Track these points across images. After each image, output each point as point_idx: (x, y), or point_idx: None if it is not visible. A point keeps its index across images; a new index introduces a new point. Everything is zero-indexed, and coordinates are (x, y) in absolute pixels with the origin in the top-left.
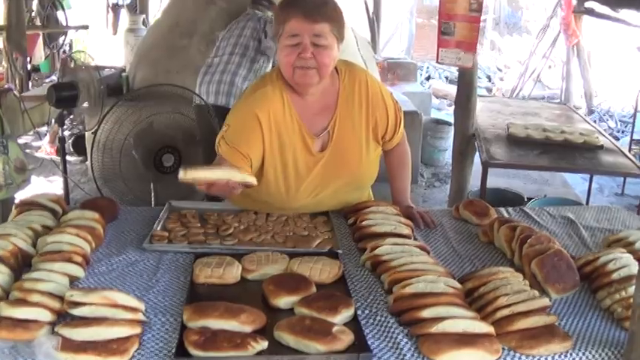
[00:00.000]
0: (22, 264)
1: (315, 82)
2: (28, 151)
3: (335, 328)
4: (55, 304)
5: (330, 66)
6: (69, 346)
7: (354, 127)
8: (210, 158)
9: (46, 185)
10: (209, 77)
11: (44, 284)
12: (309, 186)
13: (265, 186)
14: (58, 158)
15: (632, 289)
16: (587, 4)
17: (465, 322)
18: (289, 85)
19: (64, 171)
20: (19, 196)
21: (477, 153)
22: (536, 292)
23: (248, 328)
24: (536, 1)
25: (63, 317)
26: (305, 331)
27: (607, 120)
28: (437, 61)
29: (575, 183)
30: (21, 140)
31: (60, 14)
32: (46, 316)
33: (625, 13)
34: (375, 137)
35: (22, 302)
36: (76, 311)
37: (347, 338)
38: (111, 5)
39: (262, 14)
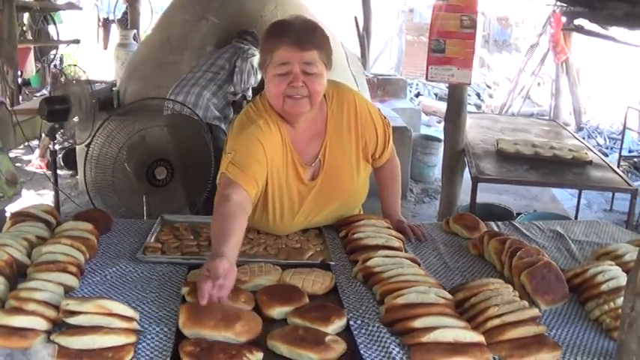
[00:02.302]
0: (16, 274)
1: (306, 111)
2: (18, 164)
3: (328, 338)
4: (51, 313)
5: (321, 93)
6: (65, 354)
7: (344, 151)
8: (201, 171)
9: (36, 199)
10: (178, 89)
11: (40, 293)
12: (303, 214)
13: (260, 214)
14: (48, 172)
15: (620, 301)
16: (576, 22)
17: (456, 331)
18: (280, 115)
19: (56, 184)
20: (10, 209)
21: (467, 168)
22: (526, 303)
23: (243, 339)
24: (526, 18)
25: (59, 326)
26: (298, 341)
27: (596, 137)
28: (426, 79)
29: (564, 199)
30: (11, 154)
31: (51, 28)
32: (42, 324)
33: (614, 31)
34: (365, 157)
35: (19, 311)
36: (72, 320)
37: (339, 347)
38: (102, 20)
39: (246, 47)
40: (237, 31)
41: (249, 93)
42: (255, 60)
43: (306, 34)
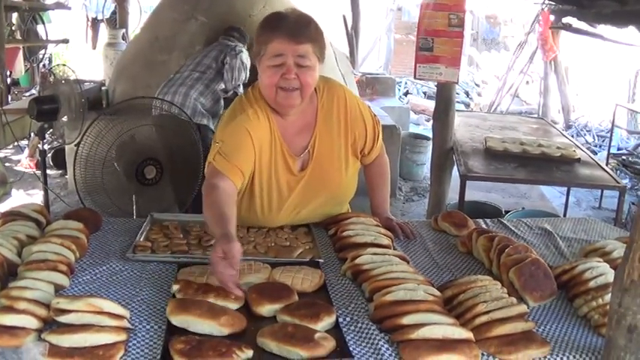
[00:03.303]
0: (7, 273)
1: (298, 103)
2: (7, 164)
3: (317, 335)
4: (42, 312)
5: (312, 86)
6: (56, 352)
7: (333, 145)
8: (190, 170)
9: (26, 198)
10: (166, 89)
11: (31, 292)
12: (291, 205)
13: (248, 204)
14: (38, 172)
15: (608, 297)
16: (564, 20)
17: (444, 328)
18: (270, 106)
19: (45, 183)
20: (0, 209)
21: (456, 167)
22: (514, 300)
23: (225, 331)
24: (515, 17)
25: (49, 324)
26: (288, 338)
27: (585, 135)
28: (414, 77)
29: (553, 196)
30: (0, 154)
31: (40, 28)
32: (33, 323)
33: (602, 29)
34: (353, 152)
35: (9, 309)
36: (63, 318)
37: (329, 344)
38: (90, 20)
39: (233, 44)
40: (223, 28)
41: (240, 89)
42: (244, 56)
43: (300, 28)
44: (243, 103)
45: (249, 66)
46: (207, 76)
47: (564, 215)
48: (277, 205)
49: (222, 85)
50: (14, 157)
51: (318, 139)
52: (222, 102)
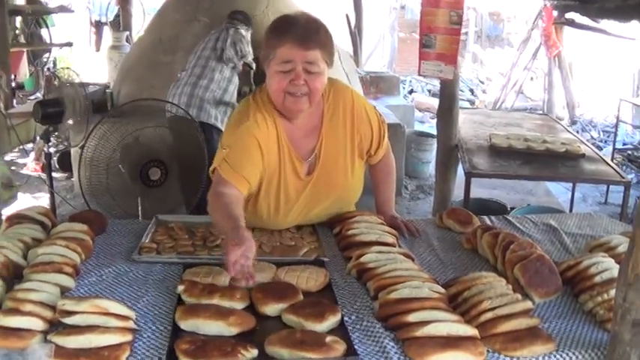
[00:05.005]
0: (13, 276)
1: (306, 108)
2: (13, 168)
3: (328, 339)
4: (48, 313)
5: (321, 91)
6: (62, 353)
7: (339, 147)
8: (194, 171)
9: (32, 202)
10: (174, 91)
11: (36, 294)
12: (298, 209)
13: (257, 210)
14: (43, 175)
15: (614, 292)
16: (567, 15)
17: (449, 325)
18: (277, 110)
19: (51, 186)
20: (5, 212)
21: (460, 164)
22: (519, 296)
23: (234, 330)
24: (518, 13)
25: (55, 326)
26: (298, 344)
27: (590, 130)
28: (419, 74)
29: (559, 192)
30: (6, 158)
31: (44, 32)
32: (38, 324)
33: (606, 24)
34: (360, 154)
35: (15, 311)
36: (68, 320)
37: (341, 347)
38: (94, 23)
39: (234, 27)
40: (228, 12)
41: (249, 59)
42: (243, 31)
43: (310, 33)
44: (250, 107)
45: (249, 38)
46: (209, 68)
47: (570, 211)
48: (284, 209)
49: (227, 72)
50: (20, 161)
51: (325, 142)
52: (233, 85)
